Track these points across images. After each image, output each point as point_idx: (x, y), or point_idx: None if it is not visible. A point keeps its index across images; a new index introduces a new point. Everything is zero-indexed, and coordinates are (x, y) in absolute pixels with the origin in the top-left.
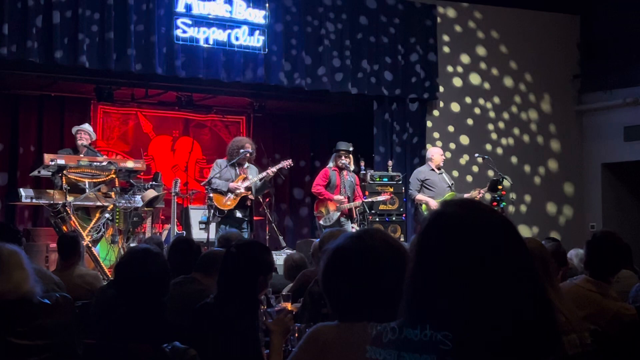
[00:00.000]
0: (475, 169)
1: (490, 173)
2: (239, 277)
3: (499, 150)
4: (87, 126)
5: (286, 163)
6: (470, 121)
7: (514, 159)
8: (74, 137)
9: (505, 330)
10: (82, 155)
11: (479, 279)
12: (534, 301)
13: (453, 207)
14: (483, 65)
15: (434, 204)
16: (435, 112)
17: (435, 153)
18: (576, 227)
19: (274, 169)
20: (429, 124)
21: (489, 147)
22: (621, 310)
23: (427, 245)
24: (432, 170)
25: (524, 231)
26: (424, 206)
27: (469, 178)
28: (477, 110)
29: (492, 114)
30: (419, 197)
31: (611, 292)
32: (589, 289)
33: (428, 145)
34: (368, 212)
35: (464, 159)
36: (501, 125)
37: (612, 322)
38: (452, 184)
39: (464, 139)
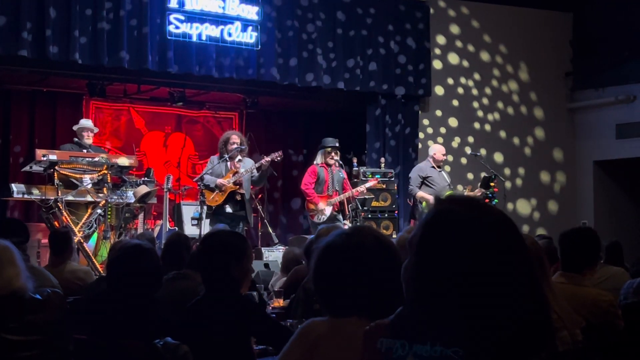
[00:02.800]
0: (467, 150)
1: (483, 151)
2: (212, 268)
3: (487, 127)
4: (88, 123)
5: (276, 155)
6: (455, 102)
7: (502, 133)
8: (74, 133)
9: (510, 332)
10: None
11: (484, 280)
12: (534, 301)
13: (454, 205)
14: (459, 44)
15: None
16: (422, 102)
17: (437, 150)
18: (571, 194)
19: (268, 159)
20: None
21: (477, 125)
22: (598, 297)
23: (430, 245)
24: (433, 167)
25: (524, 205)
26: (424, 203)
27: (464, 160)
28: (460, 90)
29: (474, 92)
30: (420, 193)
31: (585, 282)
32: (563, 282)
33: (420, 134)
34: (360, 208)
35: (455, 142)
36: (485, 101)
37: (593, 311)
38: (450, 182)
39: (453, 122)
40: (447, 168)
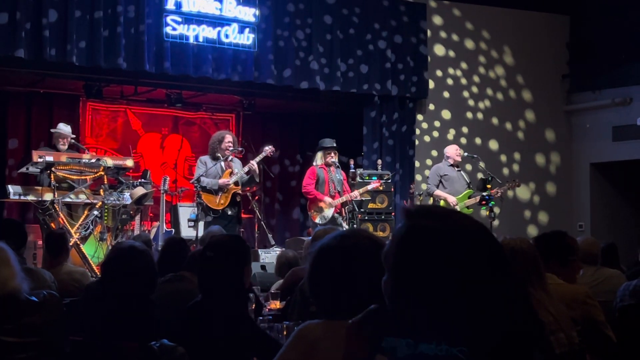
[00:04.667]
0: (463, 140)
1: (478, 140)
2: (226, 275)
3: (480, 115)
4: (67, 129)
5: (269, 150)
6: (446, 94)
7: (494, 120)
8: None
9: (504, 338)
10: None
11: (464, 291)
12: (517, 304)
13: (425, 219)
14: (453, 41)
15: (453, 200)
16: (416, 97)
17: (451, 150)
18: (567, 173)
19: (258, 159)
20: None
21: (469, 115)
22: (575, 291)
23: (405, 261)
24: (451, 166)
25: (523, 190)
26: (442, 202)
27: (461, 152)
28: (449, 81)
29: (463, 81)
30: (438, 192)
31: (559, 281)
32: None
33: (417, 130)
34: (357, 210)
35: (450, 134)
36: (474, 89)
37: (571, 305)
38: (469, 182)
39: (446, 114)
40: (468, 179)
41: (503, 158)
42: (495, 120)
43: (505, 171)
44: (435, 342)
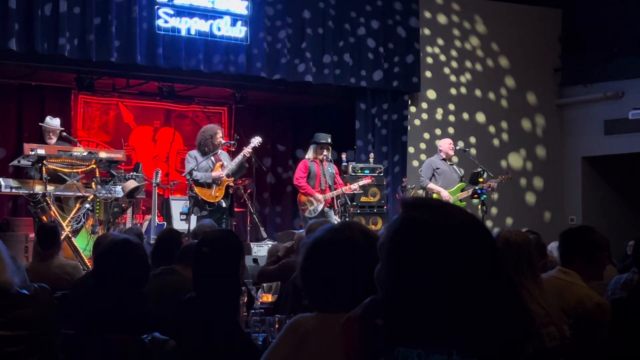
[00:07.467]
0: (452, 118)
1: (465, 116)
2: (223, 271)
3: (463, 90)
4: (55, 122)
5: (256, 141)
6: (428, 74)
7: (477, 92)
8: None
9: (505, 341)
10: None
11: (457, 283)
12: (514, 302)
13: (419, 212)
14: (447, 35)
15: (446, 194)
16: (406, 85)
17: (444, 144)
18: (558, 167)
19: (249, 149)
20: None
21: (453, 91)
22: (585, 297)
23: (399, 253)
24: (443, 160)
25: (516, 159)
26: (435, 195)
27: (451, 130)
28: (429, 60)
29: (442, 58)
30: (431, 185)
31: (578, 281)
32: (559, 277)
33: (410, 117)
34: (350, 203)
35: (438, 114)
36: (454, 64)
37: (577, 309)
38: (462, 176)
39: (431, 94)
40: (461, 172)
41: (492, 129)
42: (478, 93)
43: (496, 142)
44: (447, 353)
